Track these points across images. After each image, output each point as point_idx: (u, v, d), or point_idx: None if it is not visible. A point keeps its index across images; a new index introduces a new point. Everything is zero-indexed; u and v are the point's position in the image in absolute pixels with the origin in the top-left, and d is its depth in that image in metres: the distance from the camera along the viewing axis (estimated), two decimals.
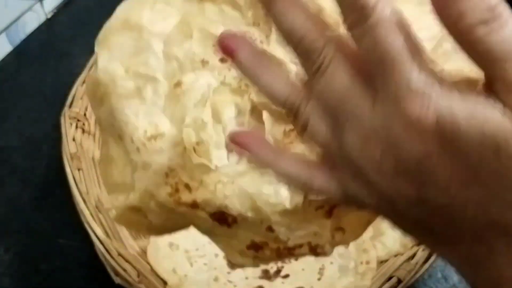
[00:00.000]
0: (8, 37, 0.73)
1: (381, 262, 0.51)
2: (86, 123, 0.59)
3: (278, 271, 0.53)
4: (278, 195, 0.30)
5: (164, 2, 0.34)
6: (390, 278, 0.48)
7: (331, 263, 0.52)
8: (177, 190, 0.31)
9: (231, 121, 0.32)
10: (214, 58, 0.33)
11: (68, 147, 0.55)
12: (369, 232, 0.46)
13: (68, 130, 0.57)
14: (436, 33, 0.29)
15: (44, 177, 0.62)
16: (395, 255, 0.50)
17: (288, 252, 0.32)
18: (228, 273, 0.52)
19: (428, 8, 0.22)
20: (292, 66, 0.30)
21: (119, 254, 0.48)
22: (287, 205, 0.30)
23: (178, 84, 0.32)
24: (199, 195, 0.31)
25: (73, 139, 0.57)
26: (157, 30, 0.33)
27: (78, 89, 0.60)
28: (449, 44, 0.29)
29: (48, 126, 0.65)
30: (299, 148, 0.30)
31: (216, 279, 0.52)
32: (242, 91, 0.32)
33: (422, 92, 0.21)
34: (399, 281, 0.47)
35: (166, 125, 0.32)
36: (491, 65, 0.21)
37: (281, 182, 0.29)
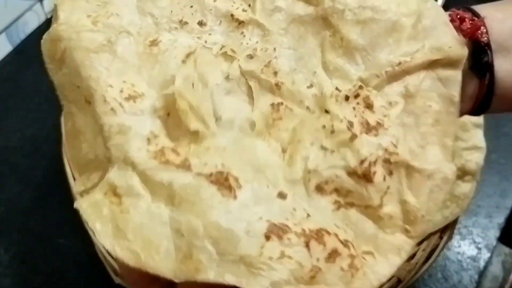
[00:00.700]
0: (8, 37, 0.73)
1: None
2: None
3: None
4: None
5: None
6: (390, 277, 0.48)
7: None
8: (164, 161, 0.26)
9: (218, 88, 0.29)
10: (193, 20, 0.30)
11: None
12: None
13: None
14: (415, 9, 0.29)
15: (44, 177, 0.62)
16: None
17: None
18: None
19: None
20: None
21: None
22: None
23: (154, 43, 0.29)
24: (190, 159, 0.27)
25: None
26: None
27: None
28: (428, 20, 0.29)
29: (48, 126, 0.65)
30: (287, 125, 0.28)
31: None
32: (228, 57, 0.29)
33: None
34: (399, 281, 0.47)
35: (143, 86, 0.28)
36: None
37: None
